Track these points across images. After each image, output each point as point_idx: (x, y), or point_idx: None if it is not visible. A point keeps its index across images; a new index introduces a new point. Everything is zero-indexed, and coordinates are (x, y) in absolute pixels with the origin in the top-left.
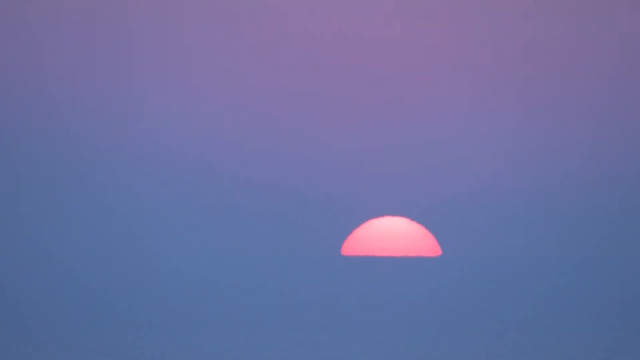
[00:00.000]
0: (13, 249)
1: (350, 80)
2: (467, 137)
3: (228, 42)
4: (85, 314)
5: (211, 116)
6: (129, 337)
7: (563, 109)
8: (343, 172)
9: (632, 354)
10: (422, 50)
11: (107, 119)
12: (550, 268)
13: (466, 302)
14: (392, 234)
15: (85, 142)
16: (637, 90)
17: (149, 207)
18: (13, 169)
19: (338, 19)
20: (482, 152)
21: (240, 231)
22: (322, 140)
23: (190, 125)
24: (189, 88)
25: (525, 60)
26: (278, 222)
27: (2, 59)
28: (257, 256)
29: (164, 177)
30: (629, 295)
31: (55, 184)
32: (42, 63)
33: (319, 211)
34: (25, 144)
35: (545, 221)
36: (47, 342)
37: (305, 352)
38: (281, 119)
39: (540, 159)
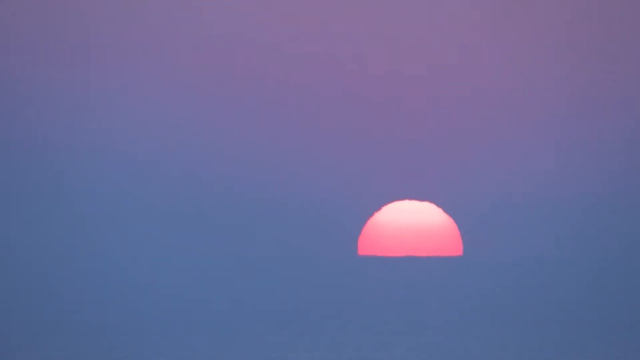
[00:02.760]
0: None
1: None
2: (497, 130)
3: (228, 39)
4: (88, 314)
5: (216, 116)
6: (156, 338)
7: (611, 110)
8: (345, 164)
9: None
10: (462, 35)
11: (103, 119)
12: (587, 271)
13: (494, 306)
14: (411, 226)
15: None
16: None
17: (159, 209)
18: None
19: (352, 13)
20: (517, 148)
21: (245, 233)
22: (333, 130)
23: (196, 125)
24: (192, 86)
25: (575, 59)
26: (283, 222)
27: None
28: (261, 258)
29: (172, 179)
30: None
31: (55, 185)
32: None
33: (328, 205)
34: (14, 144)
35: (589, 224)
36: (35, 343)
37: (323, 354)
38: (284, 118)
39: (585, 160)
